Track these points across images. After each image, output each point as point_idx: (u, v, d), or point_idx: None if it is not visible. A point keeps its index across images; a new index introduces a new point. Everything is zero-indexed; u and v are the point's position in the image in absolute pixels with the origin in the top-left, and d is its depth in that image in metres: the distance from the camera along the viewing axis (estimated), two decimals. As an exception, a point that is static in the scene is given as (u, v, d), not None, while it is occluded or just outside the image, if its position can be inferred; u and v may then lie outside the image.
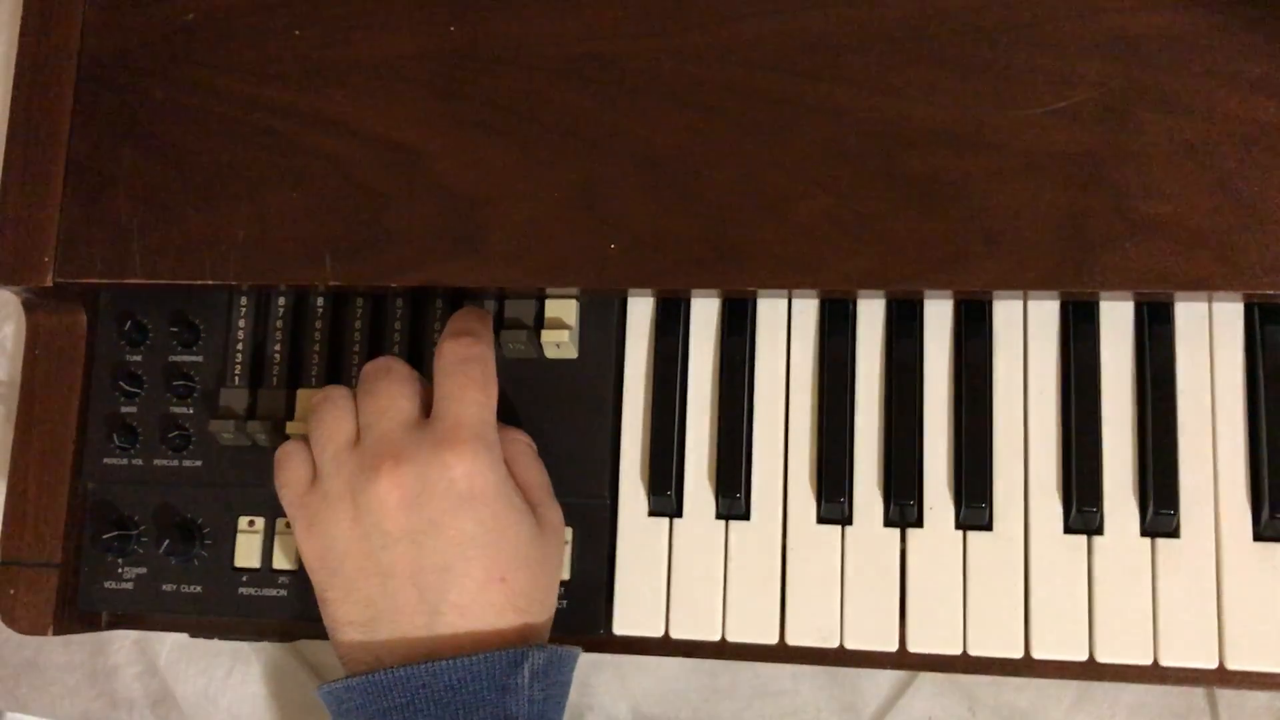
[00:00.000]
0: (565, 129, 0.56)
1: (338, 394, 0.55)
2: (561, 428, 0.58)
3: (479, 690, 0.49)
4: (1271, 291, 0.52)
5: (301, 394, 0.59)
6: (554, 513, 0.56)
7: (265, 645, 0.69)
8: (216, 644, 0.68)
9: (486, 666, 0.50)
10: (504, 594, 0.52)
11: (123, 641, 0.70)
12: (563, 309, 0.58)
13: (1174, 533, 0.54)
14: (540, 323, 0.58)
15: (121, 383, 0.60)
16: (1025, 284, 0.53)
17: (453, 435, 0.52)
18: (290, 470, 0.55)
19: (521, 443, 0.56)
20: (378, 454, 0.52)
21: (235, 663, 0.69)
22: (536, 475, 0.56)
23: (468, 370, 0.54)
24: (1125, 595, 0.53)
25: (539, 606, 0.53)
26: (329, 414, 0.54)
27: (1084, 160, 0.53)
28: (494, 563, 0.51)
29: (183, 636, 0.68)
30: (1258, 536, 0.53)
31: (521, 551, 0.52)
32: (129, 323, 0.61)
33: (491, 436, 0.53)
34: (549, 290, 0.58)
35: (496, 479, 0.52)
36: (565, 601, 0.56)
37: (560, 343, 0.57)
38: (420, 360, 0.59)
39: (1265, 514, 0.53)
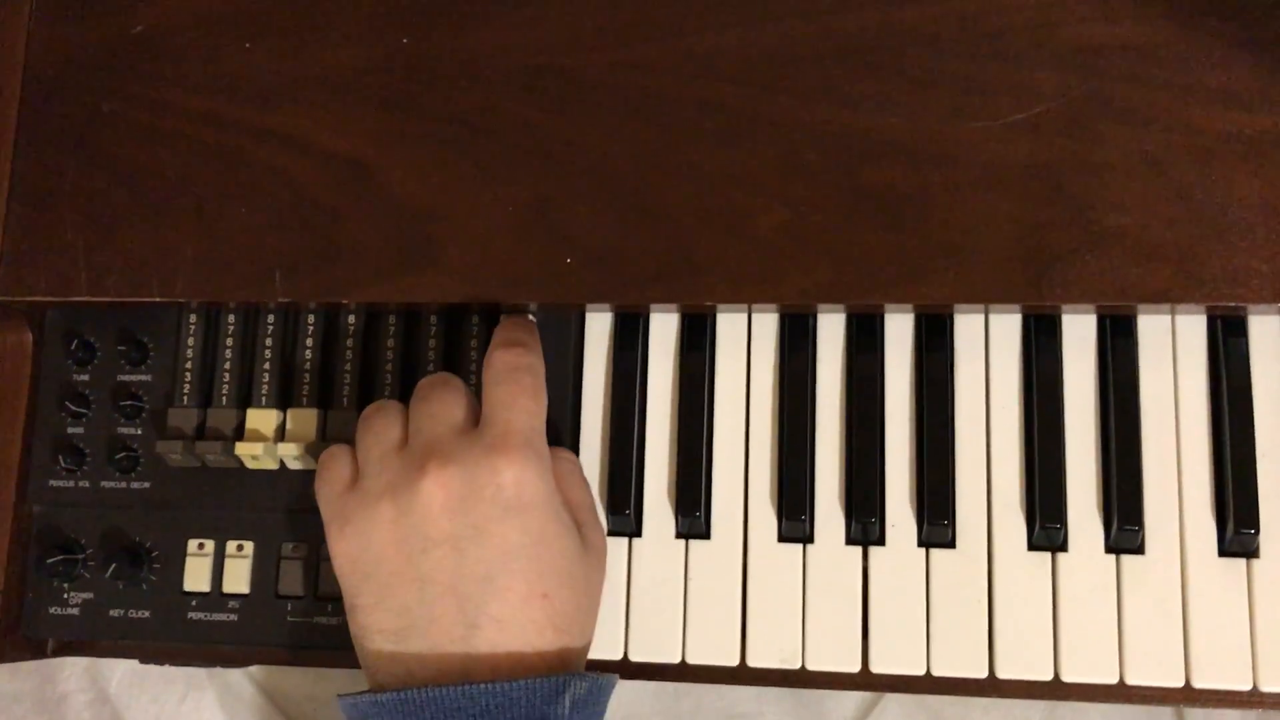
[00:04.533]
0: (519, 143, 0.55)
1: (390, 403, 0.54)
2: (518, 446, 0.56)
3: (516, 718, 0.47)
4: (1233, 303, 0.51)
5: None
6: (599, 536, 0.54)
7: (219, 670, 0.67)
8: (169, 670, 0.67)
9: (526, 694, 0.47)
10: (545, 611, 0.49)
11: (73, 669, 0.68)
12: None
13: (1139, 549, 0.53)
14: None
15: (68, 403, 0.59)
16: (985, 298, 0.52)
17: (503, 441, 0.50)
18: (332, 469, 0.53)
19: (568, 460, 0.55)
20: (425, 454, 0.50)
21: (189, 689, 0.68)
22: (583, 495, 0.54)
23: (519, 379, 0.53)
24: (1090, 613, 0.53)
25: (579, 629, 0.51)
26: (378, 418, 0.53)
27: (1043, 172, 0.52)
28: (538, 577, 0.49)
29: (135, 662, 0.67)
30: (1223, 552, 0.53)
31: (566, 569, 0.50)
32: (76, 341, 0.59)
33: (542, 446, 0.52)
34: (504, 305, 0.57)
35: (545, 489, 0.51)
36: (521, 624, 0.55)
37: None
38: (370, 377, 0.58)
39: (1230, 529, 0.52)
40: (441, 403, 0.52)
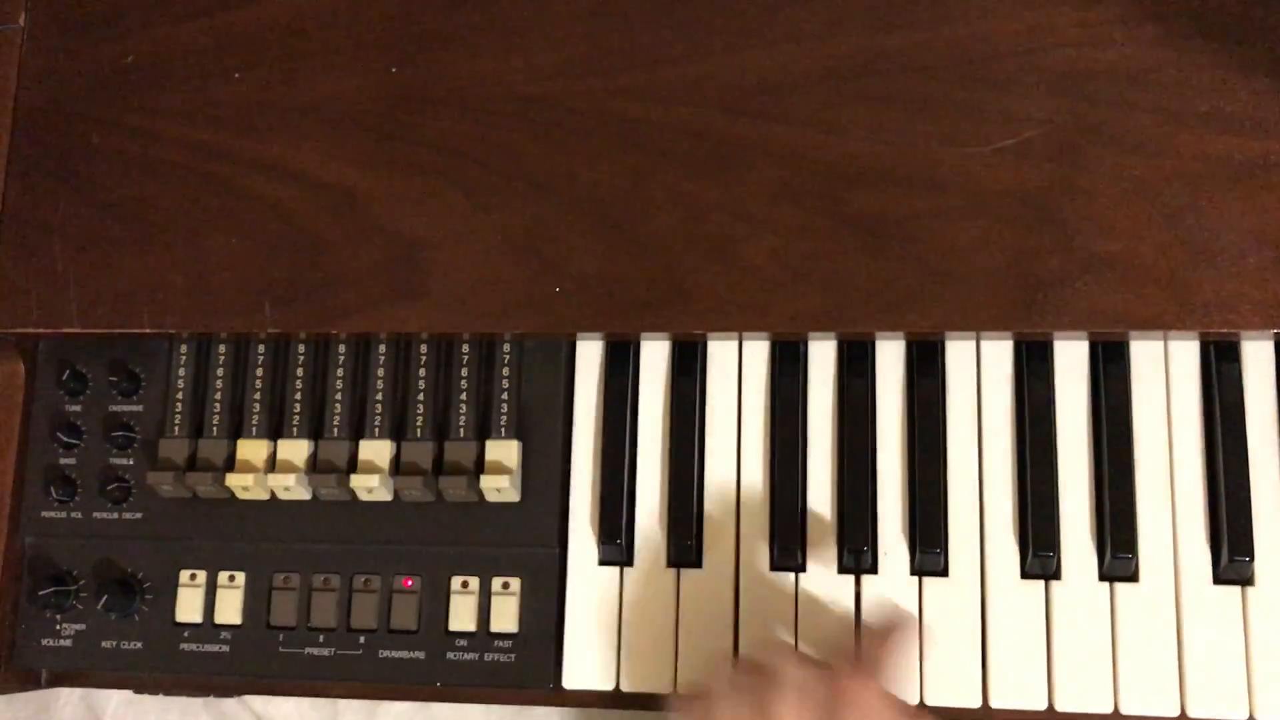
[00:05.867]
0: (508, 171, 0.55)
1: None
2: (509, 475, 0.56)
3: None
4: (1225, 329, 0.51)
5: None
6: None
7: (213, 699, 0.67)
8: (164, 698, 0.67)
9: None
10: None
11: (68, 697, 0.68)
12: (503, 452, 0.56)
13: (1133, 577, 0.53)
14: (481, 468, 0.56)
15: (60, 434, 0.59)
16: (975, 325, 0.52)
17: None
18: None
19: None
20: None
21: (184, 717, 0.67)
22: None
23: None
24: (1084, 642, 0.52)
25: None
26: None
27: (1033, 198, 0.52)
28: None
29: (130, 691, 0.66)
30: (1217, 580, 0.52)
31: None
32: (68, 372, 0.59)
33: None
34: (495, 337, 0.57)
35: None
36: (513, 655, 0.55)
37: (500, 488, 0.55)
38: (360, 406, 0.58)
39: (1224, 557, 0.51)
40: None
